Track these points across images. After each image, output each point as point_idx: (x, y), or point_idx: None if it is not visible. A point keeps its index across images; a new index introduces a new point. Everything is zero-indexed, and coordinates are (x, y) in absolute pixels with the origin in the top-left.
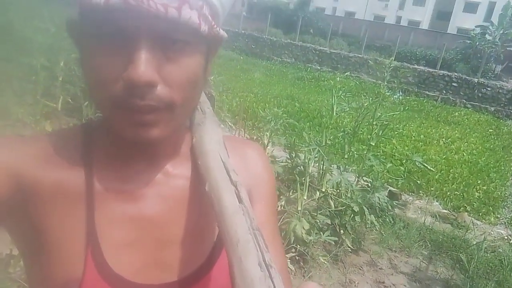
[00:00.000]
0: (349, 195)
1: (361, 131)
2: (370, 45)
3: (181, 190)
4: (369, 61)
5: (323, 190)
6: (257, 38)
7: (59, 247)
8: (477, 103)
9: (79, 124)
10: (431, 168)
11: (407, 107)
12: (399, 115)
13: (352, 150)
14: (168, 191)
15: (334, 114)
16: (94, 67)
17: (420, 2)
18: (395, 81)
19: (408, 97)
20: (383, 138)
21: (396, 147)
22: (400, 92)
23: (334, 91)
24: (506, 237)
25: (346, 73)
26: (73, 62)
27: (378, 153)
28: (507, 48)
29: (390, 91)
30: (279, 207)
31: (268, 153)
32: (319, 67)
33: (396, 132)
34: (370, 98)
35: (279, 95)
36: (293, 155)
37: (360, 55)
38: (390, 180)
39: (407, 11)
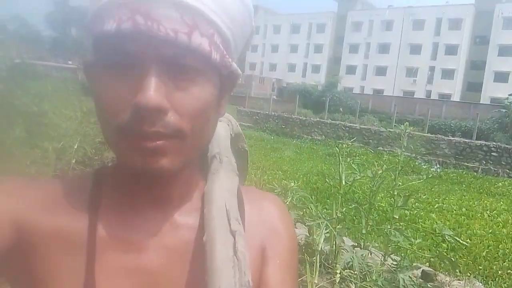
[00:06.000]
0: (373, 278)
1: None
2: (402, 120)
3: (186, 242)
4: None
5: (338, 272)
6: (287, 118)
7: None
8: None
9: (91, 170)
10: (464, 242)
11: (445, 177)
12: (438, 188)
13: (384, 225)
14: (173, 242)
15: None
16: (105, 96)
17: (449, 76)
18: (430, 152)
19: (446, 169)
20: (420, 212)
21: (436, 222)
22: (438, 165)
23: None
24: None
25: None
26: (89, 145)
27: (418, 229)
28: None
29: (426, 164)
30: None
31: None
32: (350, 143)
33: (435, 206)
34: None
35: (309, 171)
36: (311, 232)
37: (391, 129)
38: (426, 260)
39: (436, 85)
